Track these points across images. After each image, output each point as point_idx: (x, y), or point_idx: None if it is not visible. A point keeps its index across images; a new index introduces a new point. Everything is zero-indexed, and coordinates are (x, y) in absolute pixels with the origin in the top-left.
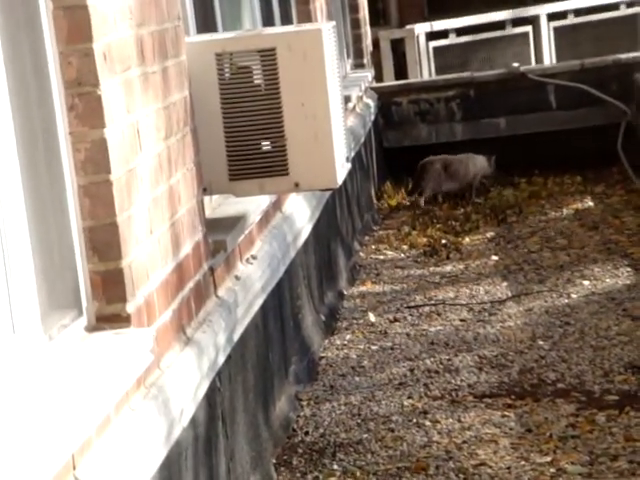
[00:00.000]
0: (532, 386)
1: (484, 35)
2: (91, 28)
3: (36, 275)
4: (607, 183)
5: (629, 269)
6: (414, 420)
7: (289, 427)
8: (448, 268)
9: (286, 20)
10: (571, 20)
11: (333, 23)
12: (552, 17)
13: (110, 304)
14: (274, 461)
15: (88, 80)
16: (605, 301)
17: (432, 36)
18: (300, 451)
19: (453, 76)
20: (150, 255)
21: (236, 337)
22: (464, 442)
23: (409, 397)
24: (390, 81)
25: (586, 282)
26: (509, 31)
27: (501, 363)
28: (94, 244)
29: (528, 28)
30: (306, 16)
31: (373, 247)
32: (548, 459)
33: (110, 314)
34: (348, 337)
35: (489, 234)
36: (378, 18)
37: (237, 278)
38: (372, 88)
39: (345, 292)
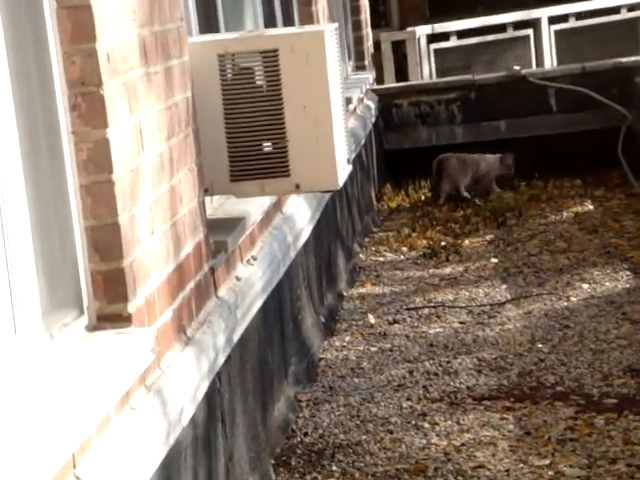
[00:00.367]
0: (531, 389)
1: (485, 38)
2: (95, 28)
3: (38, 274)
4: (607, 187)
5: (628, 273)
6: (413, 422)
7: (288, 428)
8: (448, 270)
9: (288, 21)
10: (572, 23)
11: (336, 25)
12: (553, 20)
13: (111, 304)
14: (273, 462)
15: (91, 80)
16: (604, 304)
17: (433, 38)
18: (299, 452)
19: (454, 79)
20: (151, 255)
21: (236, 338)
22: (463, 444)
23: (408, 399)
24: (391, 83)
25: (585, 285)
26: (510, 34)
27: (500, 366)
28: (96, 244)
29: (529, 31)
30: (308, 17)
31: (373, 249)
32: (547, 462)
33: (111, 313)
34: (347, 338)
35: (489, 237)
36: (379, 20)
37: (237, 279)
38: (373, 90)
39: (345, 293)
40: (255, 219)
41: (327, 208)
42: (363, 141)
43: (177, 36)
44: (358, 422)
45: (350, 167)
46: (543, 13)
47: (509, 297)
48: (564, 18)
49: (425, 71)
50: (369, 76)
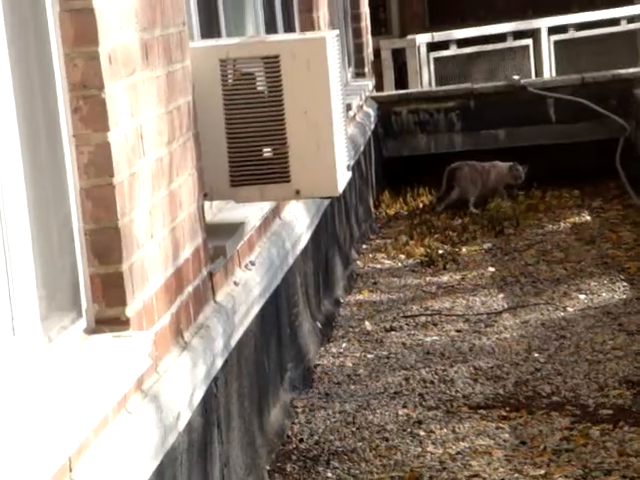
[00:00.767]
0: (527, 398)
1: (485, 47)
2: (97, 31)
3: (37, 277)
4: (604, 198)
5: (625, 284)
6: (408, 430)
7: (284, 434)
8: (445, 278)
9: (289, 28)
10: (572, 34)
11: (337, 32)
12: (553, 31)
13: (110, 307)
14: (268, 468)
15: (93, 83)
16: (601, 315)
17: (433, 47)
18: (294, 458)
19: (453, 87)
20: (150, 259)
21: (233, 343)
22: (458, 453)
23: (404, 406)
24: (390, 91)
25: (582, 296)
26: (510, 44)
27: (496, 375)
28: (95, 247)
29: (529, 41)
30: (309, 24)
31: (370, 256)
32: (542, 472)
33: (109, 317)
34: (344, 345)
35: (486, 245)
36: (380, 27)
37: (236, 284)
38: (372, 97)
39: (342, 300)
40: (254, 224)
41: (325, 214)
42: (362, 148)
43: (179, 40)
44: (354, 429)
45: (350, 174)
46: (543, 23)
47: (506, 306)
48: (564, 29)
49: (425, 79)
50: (369, 83)
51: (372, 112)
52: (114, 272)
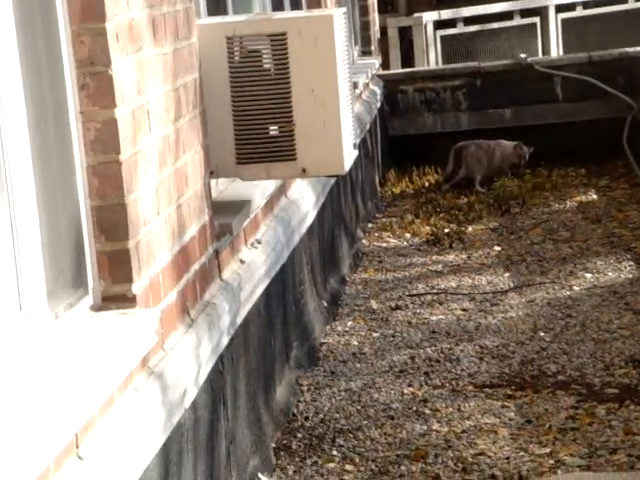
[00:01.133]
0: (532, 377)
1: (492, 25)
2: (104, 7)
3: (43, 254)
4: (611, 176)
5: (632, 263)
6: (414, 408)
7: (289, 412)
8: (450, 257)
9: (295, 5)
10: (579, 12)
11: (344, 9)
12: (560, 9)
13: (116, 284)
14: (274, 445)
15: (100, 60)
16: (607, 294)
17: (440, 25)
18: (300, 436)
19: (460, 65)
20: (156, 236)
21: (239, 320)
22: (463, 431)
23: (409, 385)
24: (397, 69)
25: (588, 275)
26: (517, 22)
27: (502, 354)
28: (101, 224)
29: (536, 19)
30: (316, 2)
31: (376, 234)
32: (547, 450)
33: (116, 294)
34: (350, 323)
35: (492, 224)
36: (386, 5)
37: (242, 262)
38: (379, 75)
39: (347, 278)
40: (260, 203)
41: (331, 193)
42: (368, 126)
43: (186, 17)
44: (359, 407)
45: (356, 152)
46: (550, 1)
47: (512, 285)
48: (571, 7)
49: (431, 57)
50: (375, 61)
51: (378, 90)
52: (120, 249)
